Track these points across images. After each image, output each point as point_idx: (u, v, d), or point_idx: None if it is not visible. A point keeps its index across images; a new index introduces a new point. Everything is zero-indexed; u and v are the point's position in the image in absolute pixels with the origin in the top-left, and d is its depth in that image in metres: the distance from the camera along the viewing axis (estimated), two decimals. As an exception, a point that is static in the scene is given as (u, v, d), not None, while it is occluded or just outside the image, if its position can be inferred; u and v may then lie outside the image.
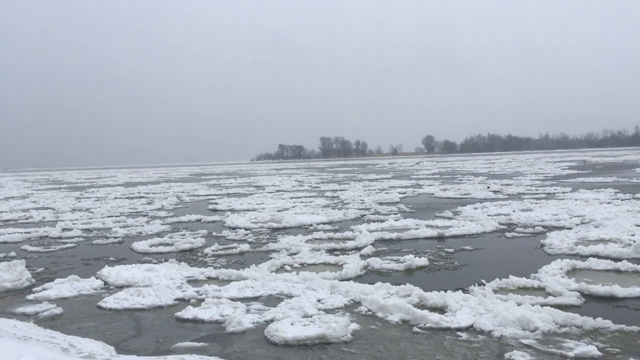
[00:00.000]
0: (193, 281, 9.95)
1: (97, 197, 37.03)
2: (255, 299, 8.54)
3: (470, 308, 7.36)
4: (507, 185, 33.94)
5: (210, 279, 10.05)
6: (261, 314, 7.59)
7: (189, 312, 7.74)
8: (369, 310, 7.64)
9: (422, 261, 10.87)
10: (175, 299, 8.63)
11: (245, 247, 13.81)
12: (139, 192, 41.43)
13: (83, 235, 17.59)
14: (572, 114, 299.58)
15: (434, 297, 7.89)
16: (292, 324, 6.95)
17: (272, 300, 8.49)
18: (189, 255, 13.26)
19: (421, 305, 7.68)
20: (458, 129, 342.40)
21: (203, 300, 8.37)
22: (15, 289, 9.87)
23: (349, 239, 14.66)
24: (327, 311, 7.68)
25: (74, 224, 20.71)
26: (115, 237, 16.79)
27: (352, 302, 8.14)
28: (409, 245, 13.74)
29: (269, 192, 36.10)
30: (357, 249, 13.27)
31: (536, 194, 27.17)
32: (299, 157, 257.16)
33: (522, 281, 8.79)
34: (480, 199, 25.63)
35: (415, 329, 6.93)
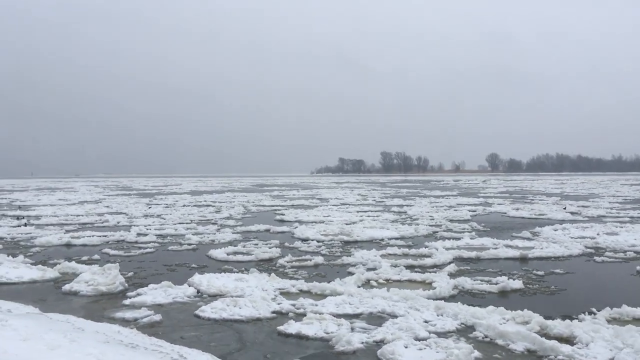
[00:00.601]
0: (286, 293, 9.73)
1: (167, 204, 37.93)
2: (356, 316, 8.22)
3: (605, 341, 6.63)
4: (584, 207, 32.27)
5: (302, 292, 9.83)
6: (368, 334, 7.24)
7: (291, 327, 7.53)
8: (486, 337, 7.13)
9: (517, 284, 10.25)
10: (273, 312, 8.45)
11: (319, 259, 13.55)
12: (205, 201, 42.21)
13: (158, 240, 17.87)
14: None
15: (558, 326, 7.20)
16: (406, 347, 6.54)
17: (375, 318, 8.15)
18: (267, 265, 13.15)
19: (543, 334, 7.06)
20: (523, 147, 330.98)
21: (302, 314, 8.18)
22: (110, 292, 9.94)
23: (426, 256, 14.15)
24: (439, 334, 7.23)
25: (147, 229, 21.14)
26: (189, 244, 16.95)
27: (463, 325, 7.65)
28: (490, 265, 13.10)
29: (333, 205, 35.89)
30: (436, 266, 12.77)
31: (618, 217, 25.61)
32: (359, 171, 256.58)
33: (639, 312, 8.02)
34: (558, 220, 24.43)
35: (547, 361, 6.31)
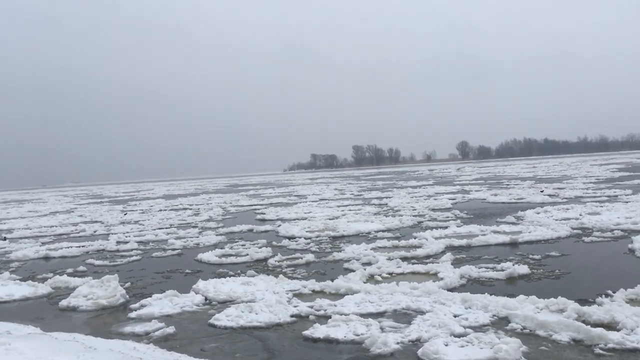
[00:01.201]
0: (299, 295, 9.36)
1: (142, 210, 37.15)
2: (381, 314, 7.90)
3: (652, 324, 6.39)
4: (560, 189, 32.69)
5: (316, 293, 9.49)
6: (402, 333, 6.91)
7: (318, 331, 7.14)
8: (525, 328, 6.85)
9: (523, 269, 10.16)
10: (292, 316, 8.08)
11: (310, 256, 13.29)
12: (181, 204, 41.50)
13: (140, 248, 17.32)
14: (611, 116, 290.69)
15: (597, 312, 6.95)
16: (447, 345, 6.24)
17: (401, 316, 7.85)
18: (261, 266, 12.80)
19: (582, 322, 6.78)
20: (491, 134, 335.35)
21: (324, 316, 7.85)
22: (111, 306, 9.50)
23: (417, 247, 14.01)
24: (475, 329, 6.93)
25: (126, 236, 20.56)
26: (173, 249, 16.48)
27: (495, 317, 7.37)
28: (482, 252, 13.02)
29: (312, 201, 35.63)
30: (430, 256, 12.65)
31: (596, 197, 25.97)
32: (332, 166, 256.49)
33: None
34: (538, 203, 24.63)
35: (598, 350, 6.06)
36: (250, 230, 20.77)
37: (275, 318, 7.89)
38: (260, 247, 15.30)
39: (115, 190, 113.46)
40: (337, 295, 9.07)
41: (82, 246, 18.25)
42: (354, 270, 11.11)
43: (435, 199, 30.49)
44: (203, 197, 51.40)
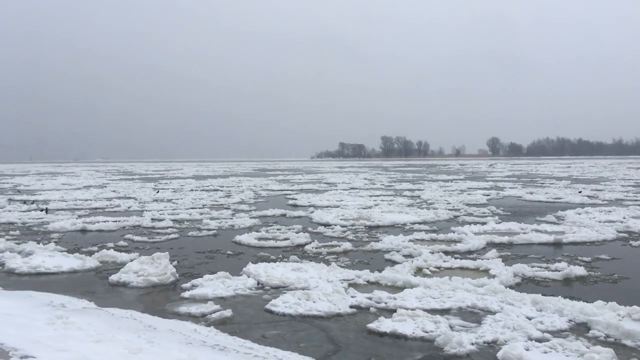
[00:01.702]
0: (354, 285, 9.10)
1: (174, 189, 37.41)
2: (446, 311, 7.55)
3: None
4: (598, 190, 31.82)
5: (370, 283, 9.20)
6: (475, 333, 6.57)
7: (384, 325, 6.83)
8: (608, 336, 6.43)
9: (580, 270, 9.78)
10: (351, 306, 7.78)
11: (347, 245, 13.07)
12: (211, 185, 41.66)
13: (175, 226, 17.37)
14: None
15: None
16: (528, 350, 5.86)
17: (467, 314, 7.49)
18: (300, 252, 12.57)
19: None
20: (522, 131, 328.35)
21: (385, 309, 7.58)
22: (162, 284, 9.37)
23: (456, 241, 13.69)
24: (553, 334, 6.53)
25: (161, 214, 20.64)
26: (208, 230, 16.46)
27: (572, 323, 6.98)
28: (526, 250, 12.65)
29: (343, 190, 35.37)
30: (471, 252, 12.32)
31: (637, 200, 25.17)
32: (360, 156, 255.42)
33: None
34: (576, 204, 23.98)
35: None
36: (283, 215, 20.65)
37: (335, 308, 7.63)
38: (297, 233, 15.15)
39: (145, 168, 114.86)
40: (395, 288, 8.81)
41: (118, 221, 18.37)
42: (397, 262, 10.88)
43: (469, 194, 29.95)
44: (233, 180, 51.57)
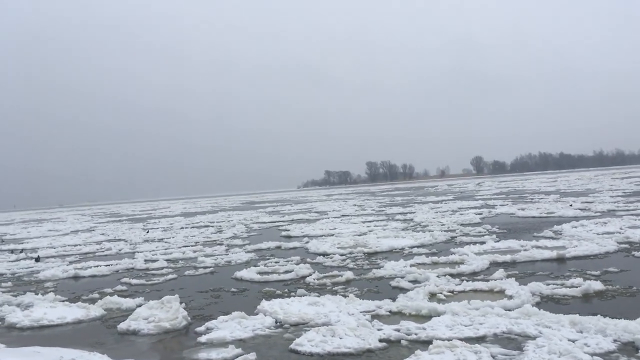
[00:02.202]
0: (377, 316, 8.73)
1: (164, 228, 36.91)
2: (481, 339, 7.18)
3: None
4: (587, 202, 31.97)
5: (393, 314, 8.84)
6: None
7: (414, 358, 6.42)
8: None
9: (598, 285, 9.59)
10: (381, 340, 7.33)
11: (349, 274, 12.81)
12: (201, 222, 41.17)
13: (170, 266, 16.98)
14: (625, 129, 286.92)
15: None
16: None
17: (505, 341, 7.11)
18: (303, 284, 12.31)
19: None
20: (504, 149, 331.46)
21: (418, 341, 7.18)
22: (174, 329, 8.87)
23: (458, 263, 13.52)
24: (602, 356, 6.26)
25: (153, 255, 20.23)
26: (204, 267, 16.09)
27: (619, 343, 6.67)
28: (532, 268, 12.51)
29: (335, 217, 35.14)
30: (475, 273, 12.13)
31: (629, 210, 25.24)
32: (346, 183, 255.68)
33: None
34: (570, 217, 24.01)
35: None
36: (278, 247, 20.35)
37: (364, 343, 7.19)
38: (297, 264, 14.88)
39: (132, 208, 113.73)
40: (420, 317, 8.46)
41: (110, 265, 17.96)
42: (404, 289, 10.65)
43: (462, 214, 29.89)
44: (222, 215, 51.10)
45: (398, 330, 7.71)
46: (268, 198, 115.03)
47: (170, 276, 15.00)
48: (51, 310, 10.80)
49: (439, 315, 8.23)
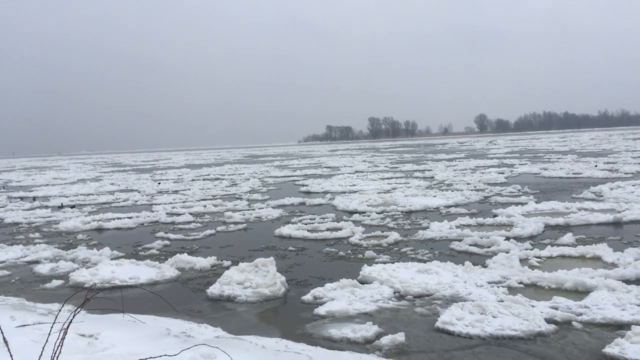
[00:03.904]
0: (514, 289, 7.44)
1: (174, 179, 36.10)
2: None
3: None
4: (611, 163, 31.13)
5: (527, 286, 7.58)
6: None
7: (629, 350, 5.14)
8: None
9: None
10: (549, 320, 6.12)
11: (395, 235, 11.98)
12: (211, 174, 40.34)
13: (197, 220, 16.16)
14: (631, 89, 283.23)
15: None
16: None
17: None
18: (351, 245, 11.50)
19: None
20: (507, 107, 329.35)
21: (592, 323, 5.98)
22: (275, 296, 7.75)
23: (508, 225, 12.76)
24: None
25: (173, 208, 19.48)
26: (235, 223, 15.28)
27: None
28: (593, 231, 11.73)
29: (349, 174, 34.29)
30: (533, 236, 11.37)
31: (661, 172, 24.46)
32: (347, 138, 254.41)
33: None
34: (600, 178, 23.25)
35: None
36: (303, 204, 19.56)
37: (532, 325, 5.90)
38: (337, 222, 14.15)
39: (132, 159, 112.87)
40: (564, 292, 7.22)
41: (131, 217, 17.20)
42: (476, 254, 9.90)
43: (482, 173, 29.11)
44: (229, 168, 50.27)
45: (555, 308, 6.51)
46: (270, 152, 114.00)
47: (208, 231, 13.98)
48: (118, 268, 9.70)
49: (588, 292, 6.99)
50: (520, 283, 7.70)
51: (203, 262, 9.91)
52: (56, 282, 9.25)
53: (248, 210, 17.96)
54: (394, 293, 7.56)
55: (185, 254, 10.45)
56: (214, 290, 8.08)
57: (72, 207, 21.51)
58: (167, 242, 12.69)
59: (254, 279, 8.16)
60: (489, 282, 7.76)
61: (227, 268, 9.24)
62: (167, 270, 9.48)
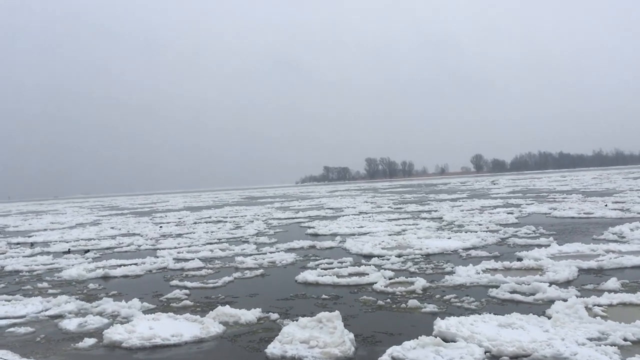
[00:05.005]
0: (624, 348, 6.56)
1: (175, 223, 35.40)
2: None
3: None
4: (619, 202, 30.72)
5: (635, 343, 6.79)
6: None
7: None
8: None
9: None
10: None
11: (421, 281, 11.38)
12: (211, 217, 39.66)
13: (208, 266, 15.48)
14: (624, 129, 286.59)
15: None
16: None
17: None
18: (379, 293, 10.82)
19: None
20: (502, 148, 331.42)
21: None
22: (346, 357, 6.93)
23: (538, 269, 12.17)
24: None
25: (179, 253, 18.79)
26: (249, 269, 14.59)
27: None
28: (626, 275, 11.14)
29: (353, 215, 33.71)
30: (569, 282, 10.78)
31: (675, 211, 24.00)
32: (345, 179, 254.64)
33: None
34: (614, 218, 22.80)
35: None
36: (313, 247, 18.92)
37: None
38: (359, 266, 13.55)
39: (129, 201, 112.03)
40: None
41: (136, 264, 16.49)
42: (523, 302, 9.27)
43: (492, 214, 28.58)
44: (229, 210, 49.62)
45: None
46: (269, 193, 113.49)
47: (225, 278, 13.25)
48: (155, 323, 8.85)
49: None
50: (625, 339, 6.88)
51: (248, 316, 9.07)
52: (88, 341, 8.35)
53: (259, 254, 17.31)
54: (485, 353, 6.73)
55: (227, 306, 9.57)
56: (274, 350, 7.25)
57: (86, 251, 21.07)
58: (185, 291, 11.90)
59: (319, 336, 7.32)
60: (589, 339, 6.91)
61: (275, 321, 8.54)
62: (211, 325, 8.61)
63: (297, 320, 8.11)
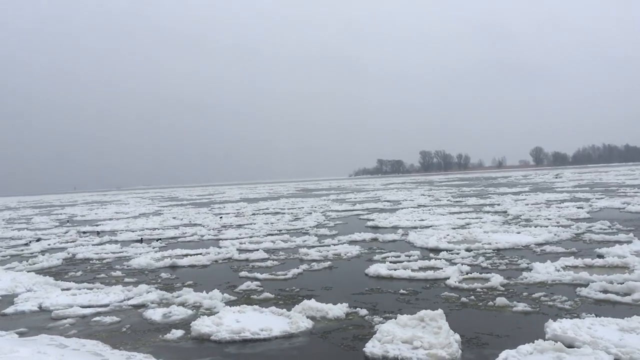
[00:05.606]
0: None
1: (235, 214, 35.80)
2: None
3: None
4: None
5: None
6: None
7: None
8: None
9: None
10: None
11: (498, 278, 10.84)
12: (269, 209, 39.91)
13: (272, 257, 15.43)
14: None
15: None
16: None
17: None
18: (442, 287, 10.46)
19: None
20: (563, 140, 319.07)
21: None
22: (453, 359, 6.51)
23: (624, 268, 11.39)
24: None
25: (241, 243, 18.86)
26: (314, 260, 14.44)
27: None
28: None
29: (412, 208, 33.11)
30: (661, 282, 9.99)
31: None
32: (398, 172, 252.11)
33: None
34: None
35: None
36: (375, 239, 18.59)
37: None
38: (428, 260, 13.14)
39: (187, 193, 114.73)
40: None
41: (201, 253, 16.61)
42: (623, 303, 8.63)
43: (559, 208, 27.34)
44: (285, 202, 49.82)
45: None
46: (322, 186, 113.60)
47: (294, 270, 13.08)
48: (242, 316, 8.64)
49: None
50: None
51: (335, 310, 8.75)
52: (176, 332, 8.19)
53: (322, 246, 17.13)
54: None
55: (313, 300, 9.23)
56: (374, 349, 6.82)
57: (158, 239, 21.79)
58: (257, 282, 11.78)
59: (423, 336, 6.89)
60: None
61: (364, 318, 8.31)
62: (299, 319, 8.32)
63: (395, 318, 7.78)
